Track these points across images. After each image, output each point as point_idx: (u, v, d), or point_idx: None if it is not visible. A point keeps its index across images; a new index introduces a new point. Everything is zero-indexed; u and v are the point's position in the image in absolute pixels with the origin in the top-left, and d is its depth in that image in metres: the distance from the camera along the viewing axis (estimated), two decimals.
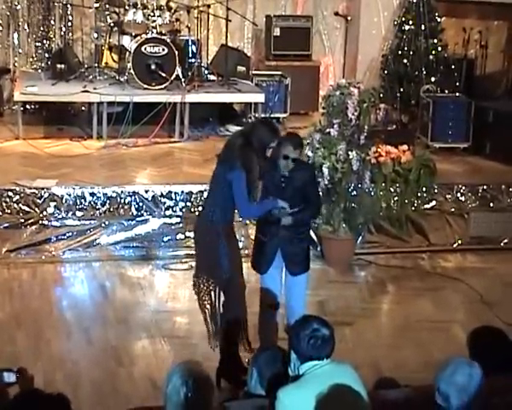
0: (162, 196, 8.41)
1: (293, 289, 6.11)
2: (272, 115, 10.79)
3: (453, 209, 8.96)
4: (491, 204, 9.06)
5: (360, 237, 8.60)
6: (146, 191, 8.40)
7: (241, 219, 7.00)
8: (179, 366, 3.80)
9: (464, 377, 3.82)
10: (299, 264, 6.08)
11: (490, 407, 3.93)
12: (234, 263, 5.93)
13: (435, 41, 11.00)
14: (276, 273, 6.09)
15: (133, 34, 10.29)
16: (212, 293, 5.95)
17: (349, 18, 11.70)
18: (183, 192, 8.45)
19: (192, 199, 8.43)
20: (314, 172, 6.59)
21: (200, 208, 6.48)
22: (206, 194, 6.21)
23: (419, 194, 8.71)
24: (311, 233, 6.66)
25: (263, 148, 5.74)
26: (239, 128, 10.40)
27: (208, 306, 6.00)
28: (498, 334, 4.52)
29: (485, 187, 9.07)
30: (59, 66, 10.35)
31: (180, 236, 8.38)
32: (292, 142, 5.90)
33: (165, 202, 8.41)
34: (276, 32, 11.45)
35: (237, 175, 5.65)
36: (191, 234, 8.30)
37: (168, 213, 8.41)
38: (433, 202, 8.88)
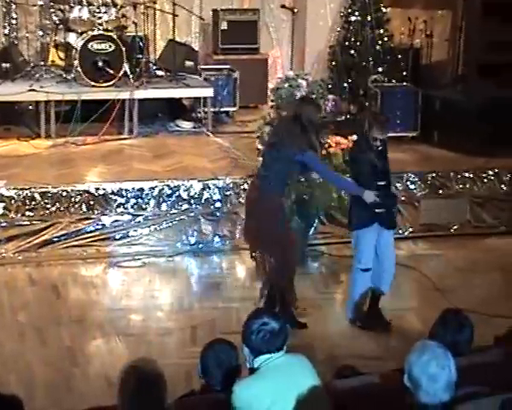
0: (113, 193, 8.34)
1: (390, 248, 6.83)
2: (222, 109, 10.78)
3: (404, 198, 9.02)
4: (441, 191, 9.17)
5: (312, 228, 8.63)
6: (96, 189, 8.33)
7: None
8: (132, 364, 3.79)
9: (438, 369, 3.74)
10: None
11: None
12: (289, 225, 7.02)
13: (381, 31, 11.05)
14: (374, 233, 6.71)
15: (79, 31, 10.19)
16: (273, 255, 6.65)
17: (296, 10, 11.71)
18: (134, 189, 8.39)
19: (143, 196, 8.39)
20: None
21: (258, 182, 6.81)
22: (262, 171, 6.76)
23: None
24: None
25: (312, 124, 6.49)
26: (188, 122, 10.48)
27: (269, 267, 6.70)
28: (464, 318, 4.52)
29: (434, 175, 9.16)
30: (4, 65, 10.21)
31: (132, 233, 8.34)
32: (380, 124, 6.57)
33: (116, 200, 8.35)
34: (224, 25, 11.41)
35: (311, 155, 6.45)
36: (144, 230, 8.32)
37: (119, 210, 8.35)
38: None
